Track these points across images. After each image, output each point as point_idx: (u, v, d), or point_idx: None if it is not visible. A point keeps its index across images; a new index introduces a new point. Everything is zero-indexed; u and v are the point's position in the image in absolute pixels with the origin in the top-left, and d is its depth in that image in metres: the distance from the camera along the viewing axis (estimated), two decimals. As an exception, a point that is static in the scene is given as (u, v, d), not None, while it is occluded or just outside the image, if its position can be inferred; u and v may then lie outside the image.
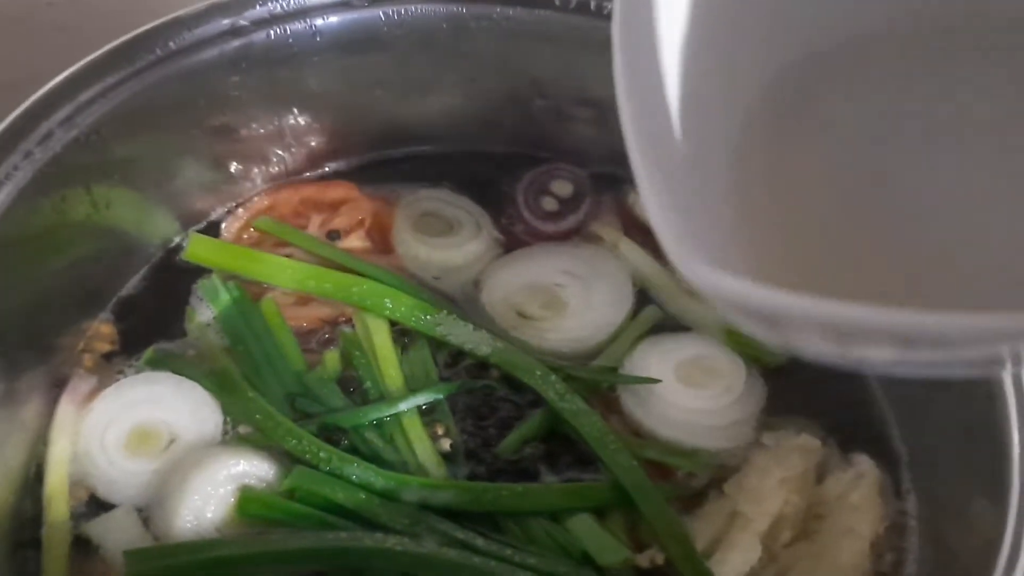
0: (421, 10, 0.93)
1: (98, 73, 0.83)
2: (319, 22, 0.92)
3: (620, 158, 1.01)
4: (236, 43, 0.89)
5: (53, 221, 0.83)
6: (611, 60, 0.93)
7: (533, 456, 0.83)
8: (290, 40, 0.92)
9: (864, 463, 0.81)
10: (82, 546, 0.76)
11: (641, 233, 0.99)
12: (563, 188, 1.01)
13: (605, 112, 1.00)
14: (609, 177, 1.03)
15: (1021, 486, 0.67)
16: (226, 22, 0.88)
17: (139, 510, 0.78)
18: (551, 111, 1.02)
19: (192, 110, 0.91)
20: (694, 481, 0.81)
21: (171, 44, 0.86)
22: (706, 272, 0.43)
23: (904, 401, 0.85)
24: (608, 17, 0.91)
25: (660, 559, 0.75)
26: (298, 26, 0.92)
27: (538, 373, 0.85)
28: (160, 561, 0.73)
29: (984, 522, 0.70)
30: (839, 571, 0.74)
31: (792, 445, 0.81)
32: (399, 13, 0.94)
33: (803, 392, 0.88)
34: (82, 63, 0.82)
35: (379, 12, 0.93)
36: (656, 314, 0.92)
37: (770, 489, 0.78)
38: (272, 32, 0.91)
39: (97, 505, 0.79)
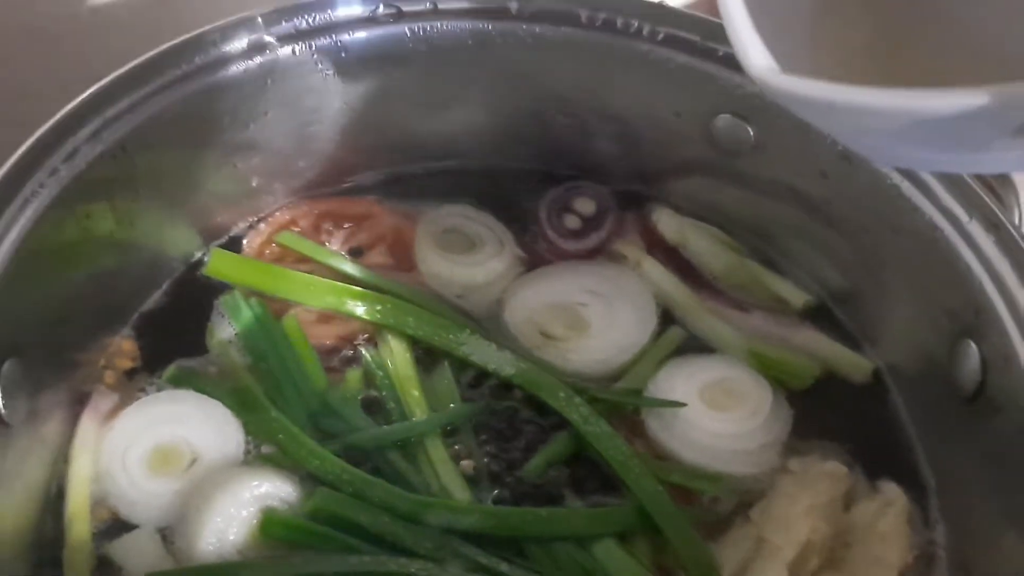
0: (447, 27, 0.93)
1: (125, 88, 0.82)
2: (345, 38, 0.91)
3: (643, 176, 1.03)
4: (261, 59, 0.89)
5: (76, 236, 0.82)
6: (636, 80, 0.94)
7: (558, 480, 0.82)
8: (315, 56, 0.91)
9: (892, 491, 0.80)
10: (104, 567, 0.76)
11: (664, 252, 0.98)
12: (586, 206, 1.01)
13: (629, 130, 1.01)
14: (632, 195, 1.02)
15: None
16: (252, 38, 0.88)
17: (161, 531, 0.78)
18: (575, 128, 1.01)
19: (216, 126, 0.91)
20: (719, 506, 0.80)
21: (197, 59, 0.86)
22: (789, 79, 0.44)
23: (932, 427, 0.84)
24: (633, 36, 0.93)
25: (686, 588, 0.75)
26: (324, 42, 0.91)
27: (562, 395, 0.84)
28: (182, 584, 0.72)
29: (1017, 554, 0.69)
30: (867, 602, 0.73)
31: (819, 471, 0.80)
32: (424, 29, 0.93)
33: (829, 416, 0.87)
34: (109, 78, 0.81)
35: (404, 28, 0.92)
36: (680, 335, 0.91)
37: (797, 516, 0.77)
38: (297, 48, 0.90)
39: (119, 525, 0.78)
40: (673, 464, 0.83)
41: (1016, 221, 0.81)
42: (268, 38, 0.88)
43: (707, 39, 0.90)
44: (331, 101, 0.96)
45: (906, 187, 0.81)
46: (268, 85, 0.90)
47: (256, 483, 0.77)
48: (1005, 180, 0.82)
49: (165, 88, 0.84)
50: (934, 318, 0.81)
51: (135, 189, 0.87)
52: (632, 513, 0.79)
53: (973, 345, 0.76)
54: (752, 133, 0.91)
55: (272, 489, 0.77)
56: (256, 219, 0.99)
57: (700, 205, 1.01)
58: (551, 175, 1.04)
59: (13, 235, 0.75)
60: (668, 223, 1.00)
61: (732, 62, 0.89)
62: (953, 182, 0.79)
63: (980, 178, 0.79)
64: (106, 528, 0.78)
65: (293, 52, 0.90)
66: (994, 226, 0.76)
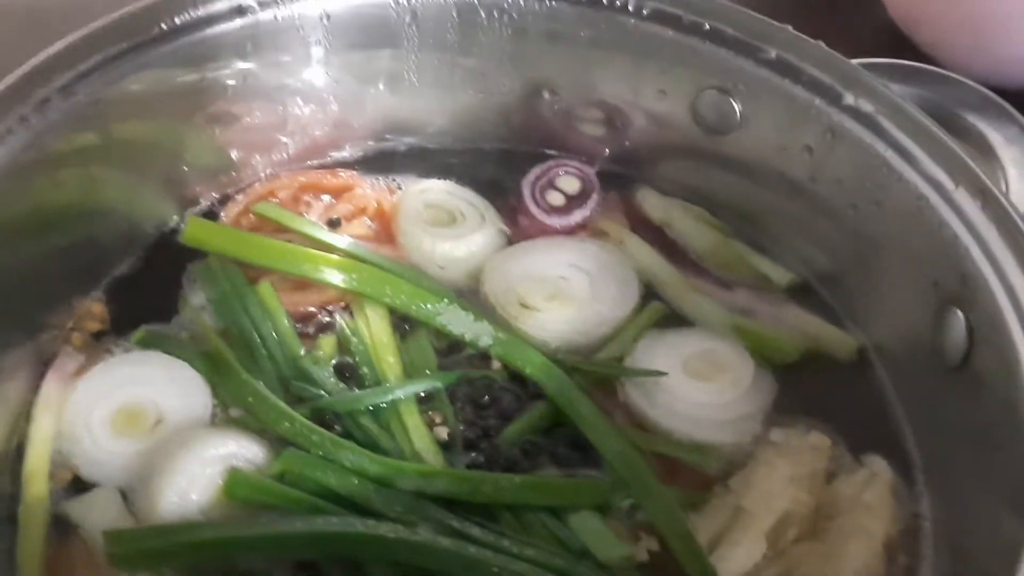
0: (433, -2, 0.92)
1: (99, 44, 0.81)
2: (329, 5, 0.91)
3: (629, 158, 1.02)
4: (242, 23, 0.88)
5: (47, 196, 0.81)
6: (621, 56, 0.93)
7: (534, 448, 0.80)
8: (298, 22, 0.90)
9: (877, 464, 0.78)
10: (61, 525, 0.73)
11: (649, 231, 0.97)
12: (570, 184, 0.99)
13: (614, 111, 1.00)
14: (617, 176, 1.01)
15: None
16: (234, 1, 0.87)
17: (123, 492, 0.75)
18: (560, 109, 1.01)
19: (195, 92, 0.90)
20: (700, 475, 0.78)
21: (175, 20, 0.85)
22: None
23: (918, 401, 0.82)
24: (619, 10, 0.92)
25: (654, 545, 0.73)
26: (307, 9, 0.90)
27: (539, 365, 0.83)
28: (141, 543, 0.70)
29: (1003, 527, 0.67)
30: (849, 571, 0.71)
31: (802, 443, 0.79)
32: (410, 1, 0.92)
33: (815, 392, 0.86)
34: (83, 31, 0.80)
35: (390, -1, 0.92)
36: (662, 308, 0.90)
37: (777, 487, 0.75)
38: (279, 13, 0.89)
39: (81, 486, 0.76)
40: (655, 435, 0.81)
41: (1003, 189, 0.80)
42: (250, 1, 0.87)
43: (692, 14, 0.89)
44: (314, 72, 0.95)
45: (891, 156, 0.80)
46: (249, 51, 0.89)
47: (222, 442, 0.74)
48: (988, 150, 0.82)
49: (142, 46, 0.83)
50: (920, 290, 0.80)
51: (108, 150, 0.85)
52: (609, 485, 0.77)
53: (960, 314, 0.75)
54: (737, 108, 0.91)
55: (238, 449, 0.75)
56: (234, 190, 0.97)
57: (685, 187, 1.00)
58: (536, 155, 1.02)
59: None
60: (653, 203, 0.99)
61: (717, 36, 0.89)
62: (938, 151, 0.78)
63: (964, 146, 0.78)
64: (68, 488, 0.76)
65: (275, 18, 0.89)
66: (980, 192, 0.75)
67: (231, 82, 0.91)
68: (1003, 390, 0.69)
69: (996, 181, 0.81)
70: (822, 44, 0.85)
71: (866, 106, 0.82)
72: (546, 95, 1.00)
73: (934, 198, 0.77)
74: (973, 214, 0.75)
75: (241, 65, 0.90)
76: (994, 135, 0.86)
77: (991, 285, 0.72)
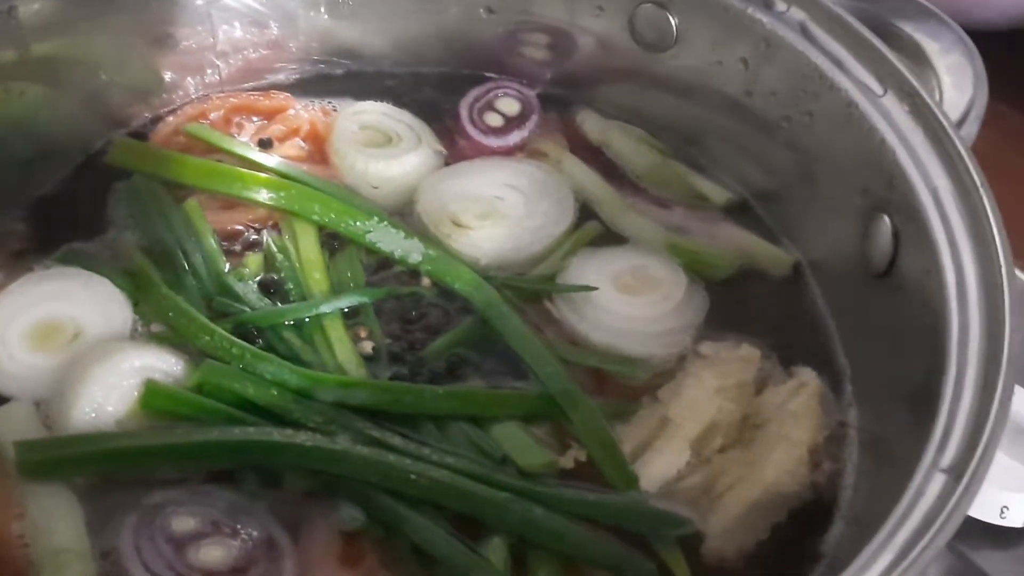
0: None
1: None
2: (263, -79, 0.88)
3: (568, 80, 1.00)
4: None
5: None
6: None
7: (460, 362, 0.79)
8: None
9: (805, 374, 0.78)
10: (-26, 439, 0.72)
11: (587, 152, 0.96)
12: (510, 106, 0.98)
13: (553, 33, 0.98)
14: (557, 98, 1.00)
15: (954, 389, 0.62)
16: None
17: (38, 405, 0.74)
18: (501, 32, 0.99)
19: (123, 7, 0.87)
20: (630, 388, 0.77)
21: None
22: None
23: (848, 312, 0.81)
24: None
25: (583, 456, 0.72)
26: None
27: (469, 280, 0.81)
28: (52, 452, 0.69)
29: (916, 425, 0.67)
30: (773, 477, 0.70)
31: (731, 355, 0.78)
32: (346, -84, 0.90)
33: (748, 308, 0.85)
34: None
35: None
36: (597, 228, 0.89)
37: (703, 396, 0.74)
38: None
39: (-3, 401, 0.75)
40: (585, 348, 0.80)
41: (937, 98, 0.79)
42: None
43: (628, -76, 0.87)
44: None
45: (823, 63, 0.79)
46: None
47: (138, 354, 0.73)
48: (923, 59, 0.80)
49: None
50: (850, 200, 0.79)
51: (28, 66, 0.83)
52: (535, 397, 0.76)
53: (886, 219, 0.74)
54: (674, 23, 0.89)
55: (156, 362, 0.74)
56: (165, 111, 0.96)
57: (625, 110, 0.98)
58: (477, 79, 1.01)
59: None
60: (592, 124, 0.97)
61: (653, -51, 0.87)
62: (868, 56, 0.77)
63: (896, 55, 0.77)
64: (-18, 402, 0.74)
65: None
66: (908, 95, 0.74)
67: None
68: (923, 290, 0.68)
69: (930, 90, 0.79)
70: (756, -48, 0.83)
71: (798, 14, 0.81)
72: (483, 13, 0.98)
73: (864, 104, 0.76)
74: (900, 118, 0.74)
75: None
76: (930, 44, 0.85)
77: (916, 188, 0.71)
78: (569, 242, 0.87)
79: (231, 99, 0.96)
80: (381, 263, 0.85)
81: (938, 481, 0.55)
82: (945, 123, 0.72)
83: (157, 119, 0.95)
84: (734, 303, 0.84)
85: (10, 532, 0.66)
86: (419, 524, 0.67)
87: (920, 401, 0.65)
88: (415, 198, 0.90)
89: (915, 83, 0.74)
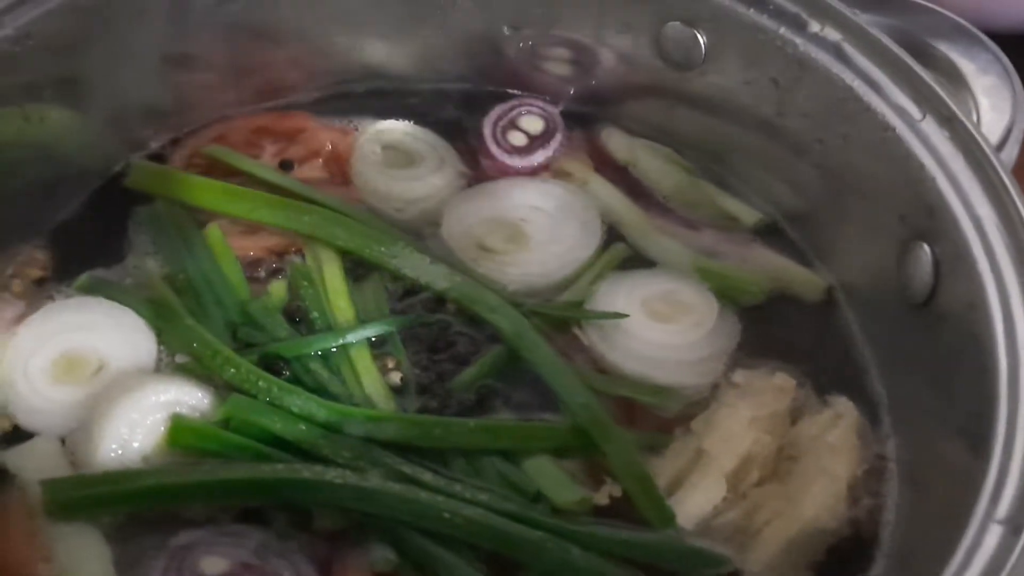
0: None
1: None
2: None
3: (594, 97, 0.98)
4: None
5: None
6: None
7: (489, 393, 0.77)
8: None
9: (842, 404, 0.76)
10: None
11: (613, 171, 0.94)
12: (533, 124, 0.96)
13: (579, 49, 0.97)
14: (582, 116, 0.98)
15: (1006, 433, 0.61)
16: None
17: (63, 441, 0.73)
18: (524, 48, 0.97)
19: (144, 27, 0.86)
20: (662, 418, 0.76)
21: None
22: None
23: (885, 341, 0.80)
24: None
25: (617, 491, 0.70)
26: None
27: (496, 307, 0.80)
28: (79, 491, 0.68)
29: (959, 458, 0.65)
30: (812, 513, 0.69)
31: (765, 384, 0.77)
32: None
33: (781, 334, 0.83)
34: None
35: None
36: (624, 250, 0.87)
37: (739, 428, 0.73)
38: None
39: (20, 435, 0.74)
40: (616, 377, 0.78)
41: (975, 119, 0.77)
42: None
43: (655, -60, 0.86)
44: (274, 11, 0.91)
45: (858, 86, 0.77)
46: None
47: (164, 388, 0.72)
48: (959, 80, 0.79)
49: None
50: (887, 226, 0.77)
51: (43, 89, 0.82)
52: (566, 429, 0.75)
53: (926, 247, 0.72)
54: (702, 41, 0.87)
55: (182, 396, 0.72)
56: (184, 132, 0.94)
57: (651, 126, 0.97)
58: (500, 96, 0.99)
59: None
60: (618, 142, 0.96)
61: (679, -34, 0.86)
62: (905, 79, 0.75)
63: (933, 75, 0.75)
64: (5, 437, 0.73)
65: (228, -47, 0.85)
66: (947, 120, 0.72)
67: (183, 17, 0.88)
68: (967, 323, 0.67)
69: (967, 111, 0.78)
70: (787, -29, 0.82)
71: (832, 35, 0.79)
72: (507, 31, 0.96)
73: (901, 128, 0.74)
74: (940, 144, 0.72)
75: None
76: (966, 64, 0.83)
77: (957, 217, 0.69)
78: (597, 266, 0.85)
79: (251, 120, 0.94)
80: (407, 290, 0.83)
81: (995, 534, 0.54)
82: (987, 150, 0.70)
83: (176, 141, 0.93)
84: (767, 328, 0.83)
85: (38, 575, 0.65)
86: (452, 564, 0.66)
87: (967, 439, 0.64)
88: (439, 220, 0.88)
89: (954, 107, 0.72)
